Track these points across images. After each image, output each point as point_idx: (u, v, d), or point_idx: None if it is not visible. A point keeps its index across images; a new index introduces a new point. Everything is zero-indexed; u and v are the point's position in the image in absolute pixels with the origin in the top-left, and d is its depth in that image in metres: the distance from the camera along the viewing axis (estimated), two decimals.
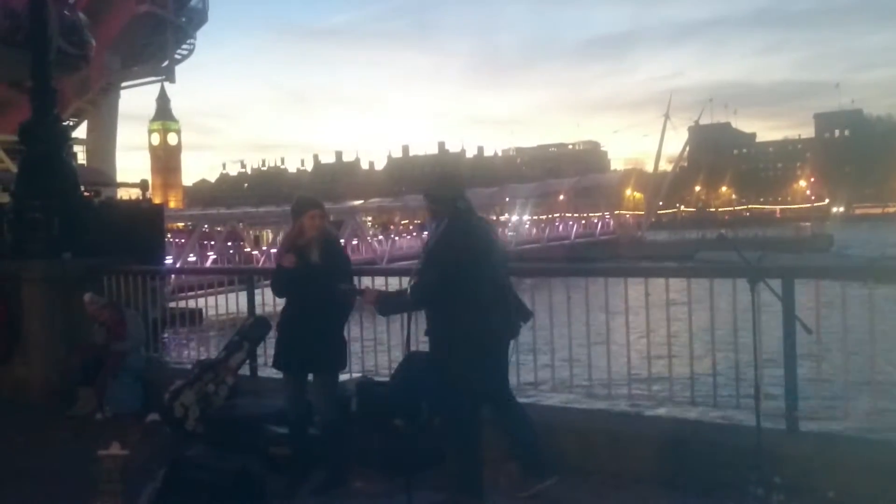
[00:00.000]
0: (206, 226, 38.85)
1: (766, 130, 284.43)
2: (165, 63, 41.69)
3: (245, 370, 7.31)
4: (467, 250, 4.65)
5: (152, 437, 6.67)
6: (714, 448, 4.96)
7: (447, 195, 4.89)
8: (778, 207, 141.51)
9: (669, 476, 5.01)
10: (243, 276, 8.74)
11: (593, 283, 5.95)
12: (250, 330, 7.21)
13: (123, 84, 42.80)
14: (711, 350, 5.33)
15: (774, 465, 4.45)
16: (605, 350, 5.81)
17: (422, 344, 6.18)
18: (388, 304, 5.12)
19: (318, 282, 5.14)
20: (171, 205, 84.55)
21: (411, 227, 59.11)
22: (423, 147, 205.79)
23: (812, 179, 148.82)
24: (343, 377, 6.49)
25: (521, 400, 5.74)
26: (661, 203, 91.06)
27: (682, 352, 5.52)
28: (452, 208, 4.80)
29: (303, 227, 5.26)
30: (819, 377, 5.08)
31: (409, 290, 4.89)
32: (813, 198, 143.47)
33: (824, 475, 4.54)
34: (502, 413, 5.03)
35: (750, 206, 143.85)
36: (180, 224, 46.15)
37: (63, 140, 9.17)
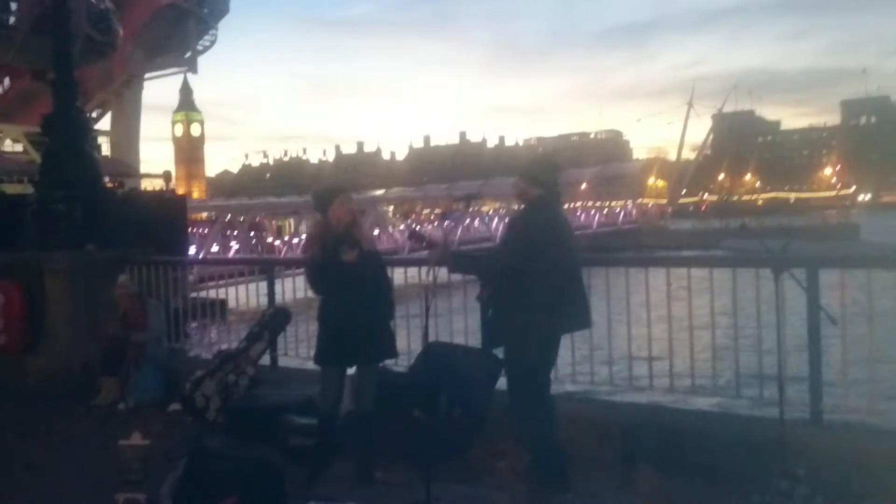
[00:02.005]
0: (228, 216, 39.06)
1: (791, 118, 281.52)
2: (188, 54, 41.98)
3: (265, 360, 7.34)
4: (542, 232, 4.64)
5: (174, 427, 6.71)
6: (736, 440, 4.90)
7: (533, 177, 4.84)
8: (792, 195, 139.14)
9: (691, 467, 4.95)
10: (265, 267, 8.78)
11: (614, 273, 5.90)
12: (271, 320, 7.23)
13: (147, 75, 43.14)
14: (734, 340, 5.25)
15: (798, 457, 4.40)
16: (625, 341, 5.76)
17: (441, 335, 6.20)
18: (460, 260, 5.03)
19: (370, 272, 5.11)
20: (195, 195, 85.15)
21: (433, 217, 59.10)
22: (445, 137, 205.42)
23: (838, 167, 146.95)
24: None
25: None
26: (683, 192, 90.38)
27: (705, 342, 5.45)
28: (533, 192, 4.79)
29: (336, 216, 5.14)
30: (844, 368, 4.99)
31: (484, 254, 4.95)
32: (839, 186, 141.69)
33: (849, 468, 4.47)
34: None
35: (762, 196, 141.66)
36: (204, 214, 46.50)
37: (85, 131, 9.24)
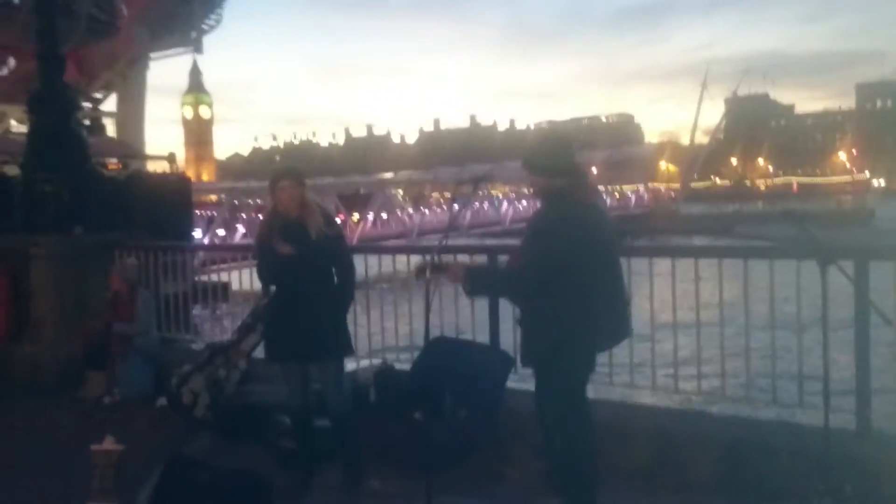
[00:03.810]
0: (235, 200, 38.74)
1: (806, 101, 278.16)
2: (193, 34, 41.47)
3: (259, 353, 6.89)
4: (570, 238, 3.86)
5: (161, 425, 6.30)
6: (775, 450, 4.41)
7: (547, 167, 4.04)
8: (795, 180, 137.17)
9: (723, 481, 4.47)
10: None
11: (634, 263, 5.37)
12: (264, 311, 6.75)
13: (152, 55, 42.64)
14: (771, 340, 4.74)
15: (844, 470, 3.92)
16: (647, 336, 5.25)
17: (446, 329, 5.74)
18: (477, 283, 4.27)
19: (315, 263, 4.64)
20: (204, 178, 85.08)
21: (442, 201, 58.68)
22: (455, 120, 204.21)
23: (853, 151, 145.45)
24: (363, 364, 6.06)
25: None
26: (695, 176, 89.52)
27: (737, 341, 4.95)
28: (551, 185, 4.01)
29: (280, 203, 4.73)
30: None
31: (505, 273, 4.21)
32: (854, 170, 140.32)
33: None
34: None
35: (768, 181, 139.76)
36: (213, 197, 46.22)
37: (72, 109, 8.75)
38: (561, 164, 4.06)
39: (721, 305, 4.87)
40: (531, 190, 4.36)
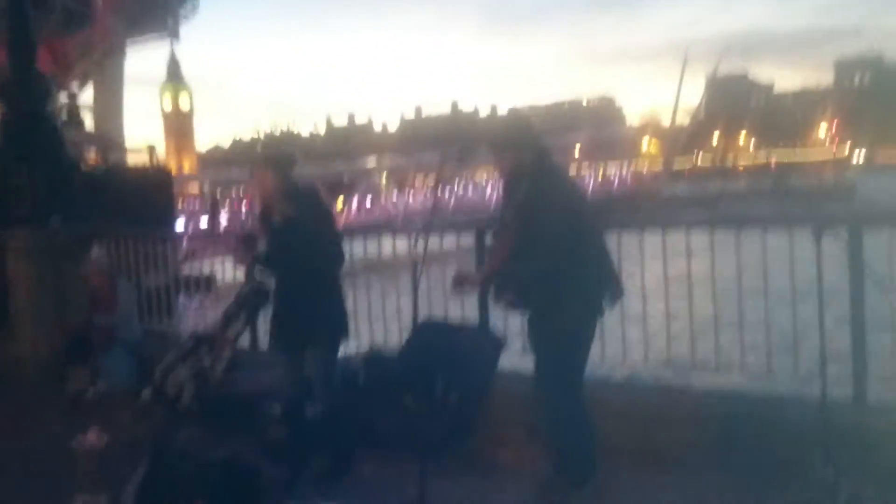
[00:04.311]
0: (217, 191, 38.49)
1: (785, 80, 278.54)
2: (169, 22, 40.90)
3: (245, 342, 6.77)
4: (562, 206, 3.95)
5: (145, 417, 6.17)
6: (771, 423, 4.36)
7: (515, 145, 4.14)
8: (773, 159, 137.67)
9: (719, 455, 4.41)
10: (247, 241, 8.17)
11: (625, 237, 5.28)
12: (248, 298, 6.62)
13: (128, 43, 41.98)
14: (764, 310, 4.68)
15: (841, 442, 3.86)
16: (639, 311, 5.18)
17: (435, 311, 5.63)
18: (503, 286, 4.31)
19: (284, 250, 4.52)
20: (186, 170, 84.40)
21: (425, 187, 58.51)
22: (436, 107, 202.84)
23: (832, 128, 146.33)
24: (351, 349, 5.95)
25: None
26: (678, 157, 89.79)
27: (730, 312, 4.88)
28: (520, 161, 4.10)
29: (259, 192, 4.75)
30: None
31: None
32: (834, 147, 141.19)
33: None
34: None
35: (748, 160, 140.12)
36: (195, 190, 45.85)
37: (45, 96, 8.58)
38: (526, 140, 4.17)
39: (713, 278, 4.81)
40: (499, 170, 4.38)
